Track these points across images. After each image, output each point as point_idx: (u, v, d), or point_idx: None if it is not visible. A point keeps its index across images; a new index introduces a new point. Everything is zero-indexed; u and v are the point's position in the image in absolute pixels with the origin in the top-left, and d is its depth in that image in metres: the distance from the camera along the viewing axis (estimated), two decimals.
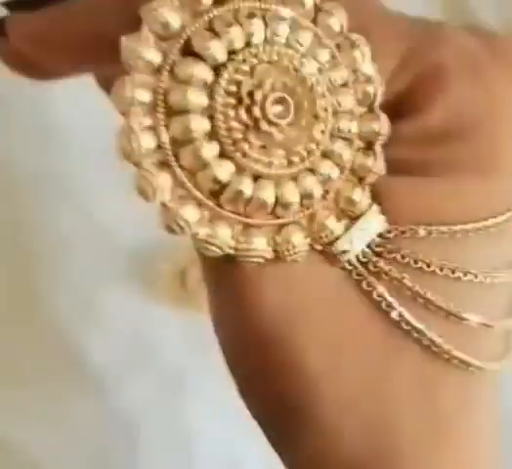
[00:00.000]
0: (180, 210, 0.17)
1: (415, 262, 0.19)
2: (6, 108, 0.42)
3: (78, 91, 0.40)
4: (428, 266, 0.19)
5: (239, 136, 0.17)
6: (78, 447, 0.39)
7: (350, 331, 0.18)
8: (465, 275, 0.19)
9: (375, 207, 0.19)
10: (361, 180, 0.19)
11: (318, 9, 0.19)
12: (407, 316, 0.18)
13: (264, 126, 0.17)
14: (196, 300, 0.40)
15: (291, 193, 0.18)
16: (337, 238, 0.19)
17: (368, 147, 0.19)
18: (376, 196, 0.19)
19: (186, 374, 0.40)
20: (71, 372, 0.39)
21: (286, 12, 0.18)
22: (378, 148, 0.19)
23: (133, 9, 0.17)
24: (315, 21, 0.18)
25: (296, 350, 0.18)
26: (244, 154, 0.17)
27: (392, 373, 0.18)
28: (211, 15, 0.17)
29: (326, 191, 0.18)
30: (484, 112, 0.19)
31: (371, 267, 0.19)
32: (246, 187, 0.17)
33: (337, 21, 0.19)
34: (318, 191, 0.18)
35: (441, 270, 0.19)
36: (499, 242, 0.19)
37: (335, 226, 0.18)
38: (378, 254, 0.19)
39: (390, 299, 0.19)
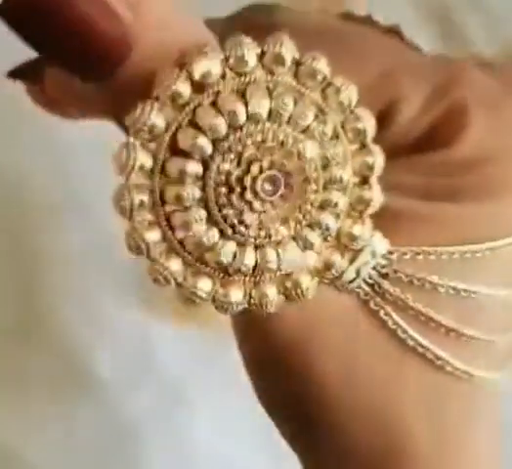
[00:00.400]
0: (194, 288, 0.19)
1: (418, 280, 0.20)
2: (20, 125, 0.42)
3: None
4: (430, 284, 0.20)
5: (235, 221, 0.18)
6: (81, 454, 0.41)
7: (361, 347, 0.21)
8: (465, 292, 0.20)
9: (378, 234, 0.20)
10: (360, 213, 0.20)
11: (298, 63, 0.19)
12: (412, 333, 0.21)
13: (257, 207, 0.18)
14: (198, 316, 0.41)
15: (293, 252, 0.19)
16: (343, 272, 0.20)
17: (364, 181, 0.20)
18: (381, 217, 0.20)
19: (186, 385, 0.42)
20: (77, 383, 0.41)
21: (266, 79, 0.18)
22: (374, 180, 0.20)
23: (120, 115, 0.17)
24: (296, 74, 0.19)
25: (312, 364, 0.21)
26: (243, 234, 0.18)
27: (400, 385, 0.21)
28: (192, 106, 0.18)
29: (327, 236, 0.20)
30: (500, 143, 0.20)
31: (377, 288, 0.21)
32: (250, 260, 0.19)
33: (319, 69, 0.19)
34: (318, 242, 0.19)
35: (442, 287, 0.20)
36: (500, 264, 0.21)
37: (340, 262, 0.20)
38: (383, 275, 0.21)
39: (396, 318, 0.21)
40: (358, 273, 0.20)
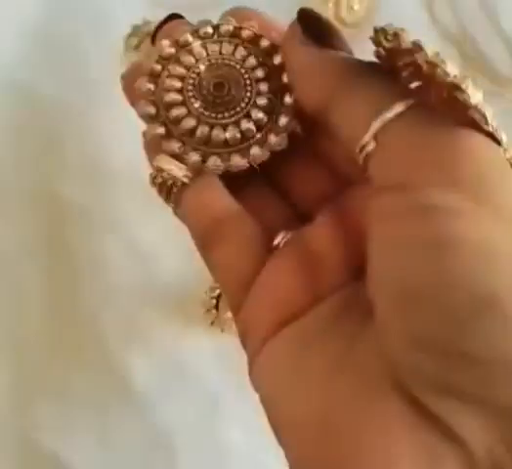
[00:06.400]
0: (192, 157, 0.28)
1: None
2: (61, 149, 0.46)
3: (123, 134, 0.44)
4: None
5: (205, 112, 0.28)
6: (121, 460, 0.43)
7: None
8: None
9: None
10: (282, 130, 0.28)
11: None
12: None
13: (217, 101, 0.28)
14: (230, 326, 0.44)
15: (234, 132, 0.28)
16: None
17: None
18: None
19: (219, 393, 0.44)
20: (116, 391, 0.44)
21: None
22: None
23: None
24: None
25: None
26: (210, 117, 0.28)
27: None
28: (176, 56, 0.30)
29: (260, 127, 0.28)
30: None
31: None
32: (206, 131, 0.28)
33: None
34: (252, 128, 0.28)
35: None
36: None
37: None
38: None
39: None
40: None
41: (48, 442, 0.43)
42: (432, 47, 0.23)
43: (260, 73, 0.28)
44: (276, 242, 0.28)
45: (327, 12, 0.47)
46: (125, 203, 0.46)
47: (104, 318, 0.44)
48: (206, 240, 0.28)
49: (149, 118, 0.28)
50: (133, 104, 0.29)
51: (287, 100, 0.28)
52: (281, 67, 0.28)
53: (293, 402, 0.24)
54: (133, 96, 0.29)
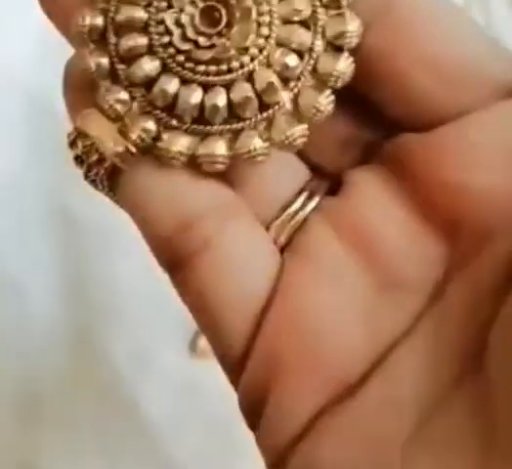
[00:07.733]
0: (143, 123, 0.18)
1: None
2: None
3: None
4: None
5: (182, 59, 0.17)
6: None
7: None
8: None
9: None
10: (324, 83, 0.18)
11: None
12: None
13: (203, 42, 0.17)
14: None
15: (246, 92, 0.17)
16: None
17: (337, 50, 0.18)
18: None
19: (234, 425, 0.38)
20: (130, 422, 0.42)
21: None
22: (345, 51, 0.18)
23: None
24: None
25: None
26: (189, 69, 0.17)
27: None
28: None
29: (287, 81, 0.18)
30: None
31: None
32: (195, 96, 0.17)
33: None
34: (277, 82, 0.17)
35: None
36: None
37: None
38: None
39: None
40: None
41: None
42: None
43: None
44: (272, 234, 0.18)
45: None
46: None
47: (116, 346, 0.42)
48: (178, 252, 0.18)
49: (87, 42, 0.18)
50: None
51: (333, 29, 0.17)
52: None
53: None
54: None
